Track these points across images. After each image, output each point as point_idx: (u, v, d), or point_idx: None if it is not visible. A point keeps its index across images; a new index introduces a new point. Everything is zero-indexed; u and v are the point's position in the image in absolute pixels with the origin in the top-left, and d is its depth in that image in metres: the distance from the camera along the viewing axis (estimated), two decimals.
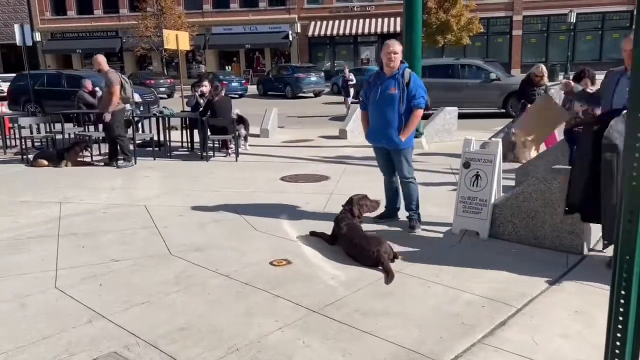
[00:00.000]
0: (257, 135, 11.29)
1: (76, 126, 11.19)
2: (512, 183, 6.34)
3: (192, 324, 3.20)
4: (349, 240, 4.31)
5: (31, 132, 10.32)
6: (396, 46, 4.81)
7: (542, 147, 8.14)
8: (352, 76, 17.72)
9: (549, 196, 4.34)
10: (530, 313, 3.29)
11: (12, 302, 3.56)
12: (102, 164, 8.82)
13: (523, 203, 4.51)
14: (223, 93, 9.51)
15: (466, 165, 4.85)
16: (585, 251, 4.27)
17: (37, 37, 31.98)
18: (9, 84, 18.99)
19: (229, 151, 9.45)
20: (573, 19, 30.62)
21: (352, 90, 17.06)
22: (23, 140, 9.42)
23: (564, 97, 6.32)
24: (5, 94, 19.19)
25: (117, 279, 3.93)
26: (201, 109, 9.62)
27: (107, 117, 8.29)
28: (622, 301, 1.52)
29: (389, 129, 4.81)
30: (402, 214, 5.27)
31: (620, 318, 1.53)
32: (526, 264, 4.08)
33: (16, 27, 15.40)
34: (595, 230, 4.48)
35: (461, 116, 11.52)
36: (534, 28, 34.81)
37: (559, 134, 7.75)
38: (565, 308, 3.35)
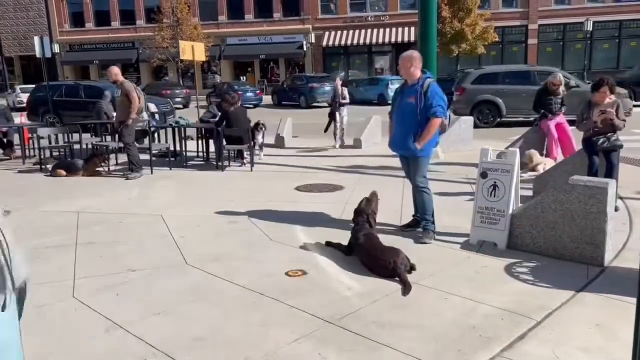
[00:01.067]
0: (272, 145, 11.33)
1: (93, 136, 11.34)
2: (530, 193, 6.27)
3: (208, 334, 3.20)
4: (366, 250, 4.29)
5: (50, 143, 10.47)
6: (407, 57, 4.87)
7: (560, 157, 8.07)
8: (346, 92, 12.42)
9: (568, 207, 4.28)
10: (550, 326, 3.24)
11: (30, 311, 3.58)
12: (121, 174, 8.90)
13: (542, 214, 4.45)
14: (239, 103, 9.57)
15: (483, 175, 4.81)
16: (606, 263, 4.20)
17: (56, 48, 32.59)
18: (28, 94, 19.31)
19: (244, 161, 9.49)
20: (589, 27, 30.38)
21: (344, 112, 12.02)
22: (42, 151, 9.56)
23: (582, 106, 6.24)
24: (25, 104, 19.51)
25: (134, 288, 3.95)
26: (216, 119, 9.71)
27: (130, 121, 8.37)
28: None
29: (406, 137, 4.88)
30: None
31: None
32: (545, 276, 4.02)
33: (36, 40, 15.69)
34: (615, 242, 4.41)
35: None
36: (550, 37, 34.58)
37: (576, 143, 7.68)
38: (586, 321, 3.29)
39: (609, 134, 5.96)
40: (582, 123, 6.16)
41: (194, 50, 14.42)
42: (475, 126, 11.65)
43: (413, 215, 5.32)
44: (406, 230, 5.24)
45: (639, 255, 4.38)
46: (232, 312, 3.50)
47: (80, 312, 3.55)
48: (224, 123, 9.11)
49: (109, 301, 3.72)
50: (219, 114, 10.07)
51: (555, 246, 4.40)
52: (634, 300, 3.44)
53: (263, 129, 10.05)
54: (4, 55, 35.67)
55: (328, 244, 4.81)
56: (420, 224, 5.25)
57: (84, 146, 10.20)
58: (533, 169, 7.80)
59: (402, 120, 4.92)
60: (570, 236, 4.30)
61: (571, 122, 7.48)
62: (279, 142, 11.67)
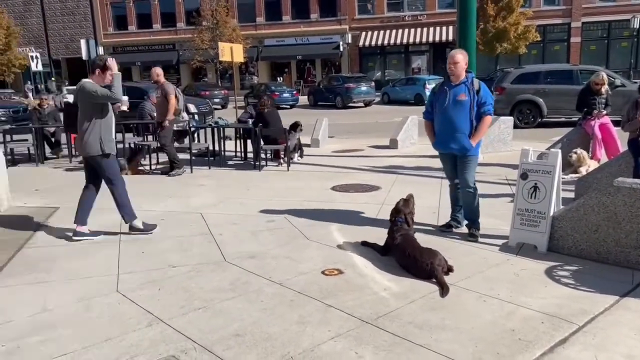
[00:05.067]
0: (308, 145, 11.40)
1: (136, 136, 11.66)
2: (572, 195, 6.12)
3: (246, 330, 3.26)
4: (403, 251, 4.28)
5: None
6: (457, 56, 4.87)
7: (604, 159, 7.83)
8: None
9: (613, 209, 4.16)
10: (593, 331, 3.16)
11: (78, 304, 3.74)
12: (159, 172, 9.12)
13: (584, 216, 4.34)
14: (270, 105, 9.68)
15: (524, 176, 4.73)
16: None
17: (101, 51, 33.59)
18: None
19: (281, 161, 9.58)
20: (636, 24, 29.34)
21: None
22: None
23: (628, 106, 6.05)
24: None
25: (175, 284, 4.06)
26: (253, 120, 9.84)
27: (166, 124, 8.61)
28: None
29: (459, 134, 4.86)
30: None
31: None
32: (588, 279, 3.92)
33: (82, 42, 16.29)
34: None
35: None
36: (594, 35, 33.54)
37: (621, 144, 7.44)
38: (631, 327, 3.19)
39: None
40: (628, 123, 5.98)
41: (232, 52, 14.65)
42: (515, 127, 11.41)
43: (451, 215, 5.28)
44: (444, 230, 5.20)
45: None
46: (270, 309, 3.55)
47: (124, 306, 3.67)
48: (260, 124, 9.22)
49: (151, 296, 3.83)
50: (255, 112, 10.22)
51: (599, 250, 4.28)
52: None
53: (301, 130, 10.11)
54: (52, 58, 37.04)
55: (364, 243, 4.82)
56: (458, 224, 5.20)
57: (126, 145, 10.50)
58: (575, 171, 7.60)
59: (452, 118, 4.88)
60: (615, 240, 4.18)
61: (616, 123, 7.25)
62: (315, 143, 11.73)
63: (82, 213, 5.30)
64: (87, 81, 5.14)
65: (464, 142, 4.86)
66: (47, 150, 11.40)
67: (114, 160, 5.31)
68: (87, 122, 5.09)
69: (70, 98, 28.21)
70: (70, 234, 5.39)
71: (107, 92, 5.00)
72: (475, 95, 4.83)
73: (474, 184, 5.03)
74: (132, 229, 5.38)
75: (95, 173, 5.34)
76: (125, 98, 5.22)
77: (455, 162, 5.07)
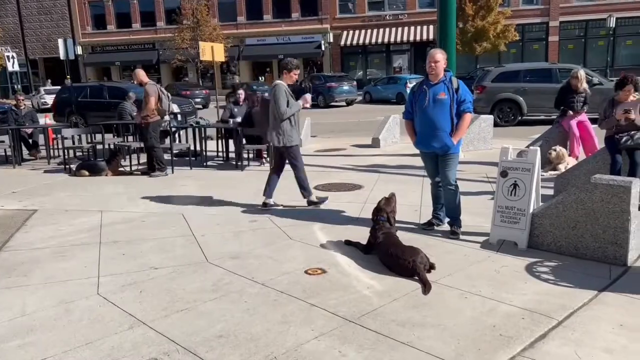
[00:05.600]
0: None
1: (116, 137, 11.53)
2: (551, 192, 6.21)
3: (229, 331, 3.25)
4: (385, 249, 4.30)
5: (73, 143, 10.67)
6: (437, 55, 4.92)
7: (582, 156, 7.96)
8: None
9: (591, 206, 4.23)
10: (572, 326, 3.21)
11: (57, 307, 3.69)
12: (139, 173, 9.04)
13: (563, 213, 4.41)
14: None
15: (504, 174, 4.79)
16: (629, 262, 4.14)
17: (79, 50, 33.16)
18: (53, 96, 19.65)
19: (263, 160, 9.55)
20: (612, 23, 29.90)
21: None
22: (66, 151, 9.75)
23: (605, 104, 6.15)
24: (49, 105, 19.88)
25: (157, 286, 4.02)
26: (239, 118, 9.78)
27: (137, 119, 8.59)
28: None
29: (441, 132, 4.89)
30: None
31: None
32: (567, 275, 3.99)
33: (60, 42, 16.01)
34: (638, 241, 4.35)
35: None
36: (572, 34, 34.08)
37: (599, 141, 7.57)
38: (609, 321, 3.25)
39: (632, 132, 5.87)
40: (605, 121, 6.09)
41: (213, 51, 14.56)
42: (496, 125, 11.54)
43: (433, 213, 5.32)
44: (426, 228, 5.23)
45: None
46: (253, 310, 3.54)
47: (105, 309, 3.63)
48: (233, 121, 9.21)
49: (132, 298, 3.79)
50: (236, 110, 10.18)
51: (577, 245, 4.36)
52: None
53: None
54: (29, 58, 36.40)
55: (347, 242, 4.83)
56: (439, 222, 5.25)
57: (106, 146, 10.37)
58: (554, 168, 7.71)
59: (433, 117, 4.91)
60: (593, 235, 4.26)
61: (593, 120, 7.38)
62: None
63: (270, 189, 6.33)
64: (280, 83, 5.99)
65: (445, 140, 4.89)
66: (25, 151, 11.21)
67: (298, 150, 6.21)
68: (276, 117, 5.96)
69: (48, 99, 27.72)
70: (49, 236, 5.32)
71: (284, 108, 5.86)
72: (454, 94, 4.87)
73: (455, 181, 5.08)
74: (310, 203, 6.30)
75: (283, 159, 6.25)
76: (295, 109, 6.02)
77: (437, 160, 5.10)
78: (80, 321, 3.45)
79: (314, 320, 3.36)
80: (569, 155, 8.01)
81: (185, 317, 3.46)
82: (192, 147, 10.12)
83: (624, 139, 5.88)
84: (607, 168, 5.95)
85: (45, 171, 9.63)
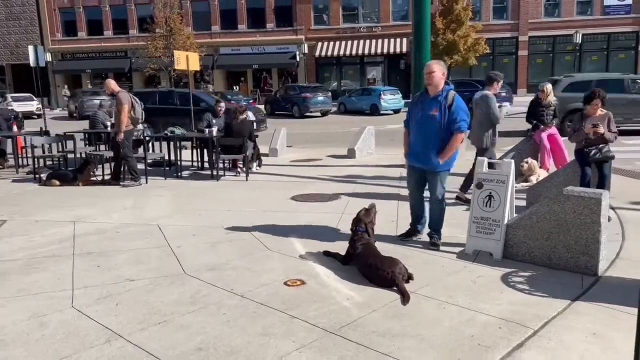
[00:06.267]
0: (266, 155, 11.36)
1: (87, 145, 11.32)
2: (524, 203, 6.35)
3: (209, 344, 3.21)
4: (364, 260, 4.32)
5: (43, 152, 10.44)
6: (433, 66, 4.83)
7: (553, 168, 8.16)
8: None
9: (563, 217, 4.34)
10: (547, 335, 3.28)
11: (30, 320, 3.59)
12: (113, 183, 8.88)
13: (537, 224, 4.51)
14: (250, 116, 9.61)
15: (479, 185, 4.88)
16: (600, 272, 4.26)
17: (48, 57, 32.50)
18: (18, 103, 19.13)
19: (239, 170, 9.51)
20: (579, 39, 30.83)
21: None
22: (36, 160, 9.53)
23: (575, 117, 6.33)
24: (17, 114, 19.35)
25: (133, 298, 3.95)
26: (215, 129, 9.72)
27: (120, 136, 8.42)
28: None
29: (427, 150, 4.86)
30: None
31: None
32: (541, 285, 4.07)
33: (30, 49, 15.66)
34: (608, 252, 4.48)
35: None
36: (540, 48, 35.06)
37: (569, 154, 7.78)
38: (583, 330, 3.33)
39: (601, 146, 6.06)
40: (575, 134, 6.26)
41: (188, 60, 14.44)
42: (562, 134, 11.63)
43: (411, 225, 5.36)
44: (404, 239, 5.28)
45: (632, 264, 4.45)
46: (233, 322, 3.51)
47: (80, 322, 3.55)
48: (209, 130, 9.17)
49: (108, 311, 3.71)
50: (214, 121, 10.11)
51: (550, 256, 4.46)
52: (628, 309, 3.52)
53: (257, 136, 10.06)
54: None
55: (326, 253, 4.84)
56: (417, 233, 5.29)
57: (78, 155, 10.17)
58: (526, 180, 7.89)
59: (423, 133, 4.87)
60: (565, 246, 4.37)
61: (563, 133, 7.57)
62: (273, 152, 11.71)
63: (467, 185, 6.84)
64: (488, 93, 6.87)
65: (432, 159, 4.87)
66: None
67: (491, 151, 6.85)
68: (482, 122, 6.77)
69: (14, 106, 26.91)
70: (19, 247, 5.17)
71: (497, 114, 6.78)
72: (446, 111, 4.75)
73: (443, 196, 5.08)
74: (459, 199, 6.88)
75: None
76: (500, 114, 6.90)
77: (422, 176, 5.10)
78: (55, 335, 3.36)
79: (295, 332, 3.35)
80: (540, 167, 8.21)
81: (163, 330, 3.41)
82: (166, 157, 10.01)
83: (593, 152, 6.06)
84: (577, 180, 6.12)
85: (14, 180, 9.38)
